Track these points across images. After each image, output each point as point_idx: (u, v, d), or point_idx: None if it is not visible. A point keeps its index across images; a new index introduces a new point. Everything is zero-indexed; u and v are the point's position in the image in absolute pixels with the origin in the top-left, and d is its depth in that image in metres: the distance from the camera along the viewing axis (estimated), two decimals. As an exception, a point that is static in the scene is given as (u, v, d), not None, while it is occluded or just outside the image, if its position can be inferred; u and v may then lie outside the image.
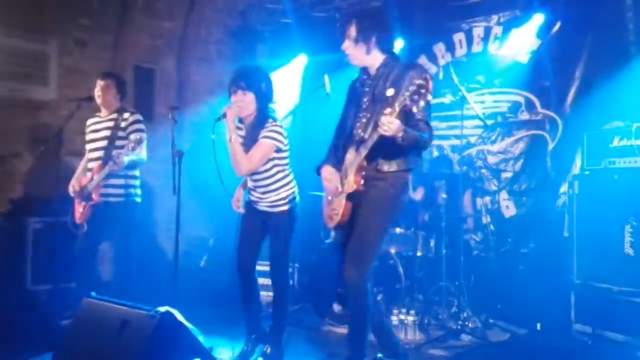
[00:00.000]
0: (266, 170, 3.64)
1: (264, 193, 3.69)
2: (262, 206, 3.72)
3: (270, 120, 3.62)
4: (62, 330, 4.04)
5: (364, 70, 3.18)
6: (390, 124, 2.72)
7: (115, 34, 6.55)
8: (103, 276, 4.56)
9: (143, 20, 6.79)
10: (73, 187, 4.50)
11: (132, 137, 4.27)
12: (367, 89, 3.11)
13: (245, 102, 3.59)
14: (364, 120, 3.06)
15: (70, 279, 4.76)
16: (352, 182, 3.00)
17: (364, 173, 3.02)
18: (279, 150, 3.61)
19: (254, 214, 3.76)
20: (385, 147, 2.94)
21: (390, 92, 2.97)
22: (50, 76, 5.91)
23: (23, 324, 4.37)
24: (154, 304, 3.00)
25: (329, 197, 3.22)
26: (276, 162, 3.64)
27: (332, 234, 3.42)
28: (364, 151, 2.94)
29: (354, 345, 3.06)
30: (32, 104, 5.90)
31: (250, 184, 3.76)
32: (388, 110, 2.76)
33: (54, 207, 4.57)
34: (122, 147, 4.26)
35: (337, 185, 3.12)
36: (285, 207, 3.67)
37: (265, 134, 3.56)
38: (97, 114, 4.67)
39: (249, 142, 3.62)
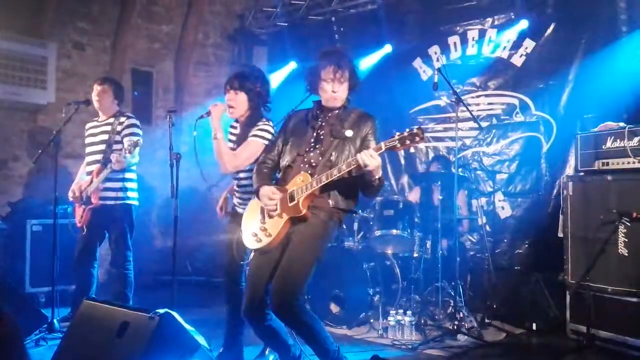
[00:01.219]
0: (251, 170, 3.55)
1: (245, 193, 3.67)
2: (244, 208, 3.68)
3: (263, 119, 3.63)
4: (61, 332, 4.08)
5: (319, 105, 3.24)
6: (372, 158, 2.81)
7: (114, 37, 6.59)
8: (102, 278, 4.58)
9: (141, 24, 6.84)
10: (73, 192, 4.53)
11: (126, 140, 4.32)
12: (323, 124, 3.18)
13: (236, 102, 3.63)
14: (317, 151, 3.10)
15: (70, 281, 4.78)
16: (302, 207, 2.98)
17: (312, 201, 3.03)
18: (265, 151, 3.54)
19: (239, 218, 3.72)
20: (346, 185, 3.03)
21: (349, 133, 3.10)
22: (48, 80, 5.93)
23: (22, 326, 4.39)
24: (153, 306, 3.03)
25: (262, 217, 3.14)
26: None
27: (251, 255, 3.24)
28: (325, 179, 2.93)
29: (317, 351, 3.08)
30: (31, 107, 5.93)
31: (234, 183, 3.76)
32: (373, 146, 2.87)
33: (53, 209, 4.59)
34: (120, 150, 4.29)
35: (277, 206, 3.05)
36: None
37: (254, 132, 3.56)
38: (95, 118, 4.71)
39: (241, 141, 3.63)
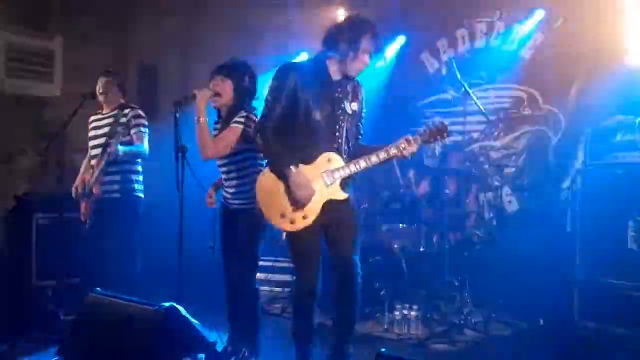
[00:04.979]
0: (238, 162, 3.54)
1: (235, 186, 3.59)
2: (234, 203, 3.63)
3: (248, 109, 3.53)
4: (67, 326, 4.08)
5: (325, 72, 3.13)
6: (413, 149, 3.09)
7: (119, 31, 6.57)
8: (108, 272, 4.58)
9: (146, 17, 6.81)
10: (76, 189, 4.51)
11: (134, 131, 4.31)
12: (340, 96, 3.12)
13: (222, 89, 3.53)
14: (344, 129, 3.11)
15: (75, 275, 4.79)
16: (338, 191, 3.08)
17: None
18: (249, 140, 3.44)
19: (228, 213, 3.69)
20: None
21: (354, 106, 3.14)
22: (54, 73, 5.93)
23: (28, 319, 4.40)
24: (159, 300, 3.02)
25: (289, 198, 3.09)
26: (249, 154, 3.53)
27: (283, 235, 3.26)
28: (363, 164, 3.06)
29: (354, 315, 3.22)
30: (37, 100, 5.93)
31: (223, 177, 3.69)
32: (412, 138, 3.07)
33: (59, 203, 4.59)
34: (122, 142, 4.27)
35: (313, 192, 3.03)
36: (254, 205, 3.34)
37: (236, 119, 3.48)
38: (99, 110, 4.69)
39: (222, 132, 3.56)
